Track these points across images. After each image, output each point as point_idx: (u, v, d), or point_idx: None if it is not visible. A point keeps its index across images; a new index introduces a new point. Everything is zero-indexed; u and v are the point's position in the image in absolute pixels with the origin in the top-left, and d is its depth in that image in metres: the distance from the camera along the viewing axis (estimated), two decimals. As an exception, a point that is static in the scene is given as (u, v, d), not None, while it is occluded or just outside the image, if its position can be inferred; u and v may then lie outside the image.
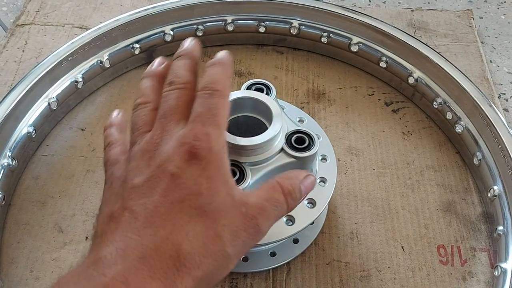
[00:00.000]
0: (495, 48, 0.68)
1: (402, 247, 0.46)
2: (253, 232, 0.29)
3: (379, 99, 0.59)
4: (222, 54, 0.35)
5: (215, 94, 0.31)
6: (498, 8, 0.74)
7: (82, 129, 0.55)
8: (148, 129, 0.32)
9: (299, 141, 0.40)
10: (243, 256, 0.30)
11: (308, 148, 0.39)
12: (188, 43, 0.35)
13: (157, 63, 0.36)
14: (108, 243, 0.27)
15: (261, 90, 0.43)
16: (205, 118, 0.30)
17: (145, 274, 0.25)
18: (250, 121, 0.41)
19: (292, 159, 0.39)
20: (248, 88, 0.43)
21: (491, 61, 0.65)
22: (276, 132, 0.38)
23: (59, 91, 0.54)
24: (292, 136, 0.40)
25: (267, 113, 0.39)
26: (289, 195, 0.32)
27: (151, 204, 0.28)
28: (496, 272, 0.43)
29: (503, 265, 0.42)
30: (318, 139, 0.40)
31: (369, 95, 0.59)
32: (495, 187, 0.47)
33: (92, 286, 0.24)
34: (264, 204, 0.30)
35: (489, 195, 0.47)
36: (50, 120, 0.54)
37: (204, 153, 0.29)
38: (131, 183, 0.29)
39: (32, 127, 0.51)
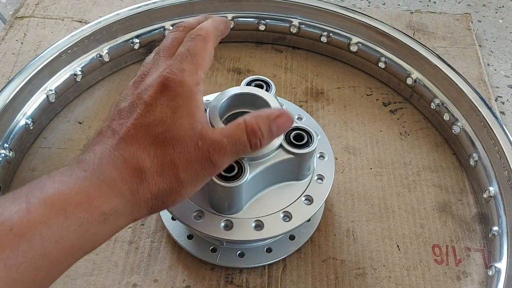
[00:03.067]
0: (492, 52, 0.68)
1: (398, 246, 0.46)
2: (206, 165, 0.33)
3: (377, 99, 0.59)
4: (216, 17, 0.39)
5: (197, 38, 0.35)
6: (496, 13, 0.75)
7: (80, 123, 0.55)
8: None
9: (298, 137, 0.40)
10: (199, 187, 0.34)
11: (306, 145, 0.39)
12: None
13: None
14: (90, 151, 0.31)
15: (260, 87, 0.43)
16: (184, 56, 0.34)
17: (116, 175, 0.30)
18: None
19: (291, 156, 0.39)
20: (248, 84, 0.43)
21: (488, 65, 0.66)
22: (275, 128, 0.38)
23: (57, 83, 0.54)
24: (291, 133, 0.40)
25: (267, 109, 0.39)
26: (253, 134, 0.34)
27: (127, 125, 0.32)
28: (491, 272, 0.43)
29: (497, 264, 0.42)
30: (317, 136, 0.40)
31: (367, 95, 0.59)
32: (491, 188, 0.47)
33: (75, 176, 0.29)
34: (222, 140, 0.33)
35: (484, 196, 0.48)
36: (48, 113, 0.54)
37: (174, 86, 0.32)
38: (118, 107, 0.34)
39: (30, 119, 0.51)
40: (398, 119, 0.57)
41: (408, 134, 0.55)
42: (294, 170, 0.41)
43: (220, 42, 0.64)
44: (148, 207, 0.32)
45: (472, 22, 0.69)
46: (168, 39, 0.37)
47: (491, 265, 0.43)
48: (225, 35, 0.40)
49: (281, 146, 0.39)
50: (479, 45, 0.68)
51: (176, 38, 0.37)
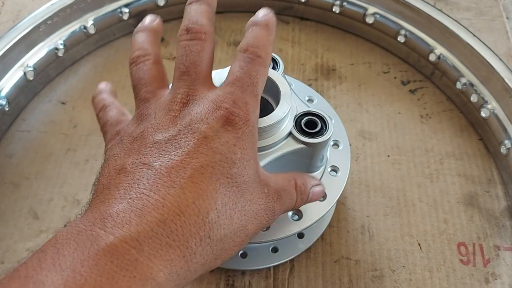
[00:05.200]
0: (521, 25, 0.62)
1: (419, 244, 0.41)
2: (270, 215, 0.28)
3: (395, 77, 0.53)
4: (266, 13, 0.32)
5: (257, 61, 0.29)
6: (524, -19, 0.67)
7: (63, 103, 0.50)
8: (159, 85, 0.30)
9: (310, 124, 0.34)
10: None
11: (320, 133, 0.34)
12: None
13: (149, 19, 0.34)
14: (119, 199, 0.23)
15: (266, 64, 0.37)
16: (245, 84, 0.28)
17: (163, 240, 0.22)
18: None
19: (302, 145, 0.33)
20: (252, 60, 0.37)
21: (517, 39, 0.60)
22: (284, 114, 0.32)
23: (36, 59, 0.48)
24: (302, 119, 0.34)
25: (274, 91, 0.34)
26: (300, 194, 0.32)
27: (178, 163, 0.24)
28: (525, 276, 0.38)
29: (534, 268, 0.38)
30: (332, 122, 0.35)
31: (384, 72, 0.53)
32: (525, 180, 0.42)
33: (96, 247, 0.21)
34: (281, 192, 0.30)
35: (517, 188, 0.43)
36: (27, 92, 0.49)
37: (241, 123, 0.27)
38: (151, 138, 0.26)
39: (5, 100, 0.46)
40: (418, 99, 0.51)
41: (430, 117, 0.50)
42: (305, 161, 0.35)
43: (219, 12, 0.58)
44: (202, 270, 0.24)
45: (499, -9, 0.63)
46: (192, 51, 0.29)
47: (526, 269, 0.38)
48: None
49: (290, 134, 0.34)
50: (507, 17, 0.61)
51: (202, 50, 0.29)
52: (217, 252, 0.25)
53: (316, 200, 0.34)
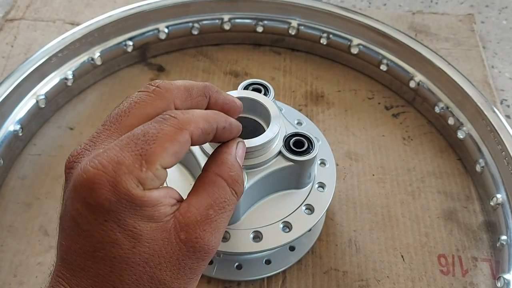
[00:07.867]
0: (496, 54, 0.66)
1: (402, 256, 0.45)
2: (200, 255, 0.25)
3: (379, 103, 0.57)
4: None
5: (169, 121, 0.24)
6: (499, 13, 0.73)
7: (71, 128, 0.53)
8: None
9: (298, 144, 0.38)
10: (199, 277, 0.27)
11: (307, 151, 0.37)
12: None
13: None
14: (52, 281, 0.25)
15: (258, 91, 0.41)
16: (132, 140, 0.23)
17: None
18: (246, 123, 0.39)
19: (290, 163, 0.37)
20: (245, 88, 0.41)
21: (492, 67, 0.64)
22: (274, 135, 0.36)
23: (48, 88, 0.52)
24: (291, 139, 0.38)
25: (265, 115, 0.38)
26: (235, 183, 0.27)
27: (69, 248, 0.24)
28: (499, 283, 0.41)
29: (506, 276, 0.41)
30: (318, 142, 0.38)
31: (368, 98, 0.57)
32: (498, 196, 0.45)
33: None
34: (208, 214, 0.26)
35: (491, 203, 0.46)
36: (38, 118, 0.52)
37: (102, 198, 0.22)
38: (63, 202, 0.25)
39: (19, 125, 0.49)
40: (401, 123, 0.55)
41: (412, 139, 0.54)
42: (294, 178, 0.39)
43: (217, 44, 0.63)
44: None
45: (475, 23, 0.68)
46: (128, 101, 0.26)
47: (500, 276, 0.41)
48: (227, 138, 0.29)
49: (280, 153, 0.37)
50: (483, 47, 0.66)
51: (139, 103, 0.25)
52: None
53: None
